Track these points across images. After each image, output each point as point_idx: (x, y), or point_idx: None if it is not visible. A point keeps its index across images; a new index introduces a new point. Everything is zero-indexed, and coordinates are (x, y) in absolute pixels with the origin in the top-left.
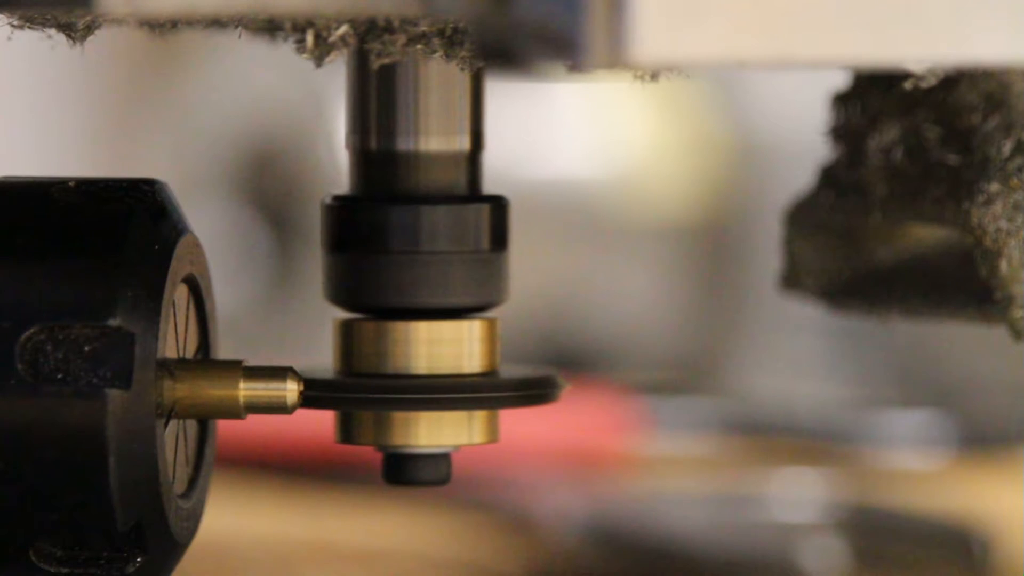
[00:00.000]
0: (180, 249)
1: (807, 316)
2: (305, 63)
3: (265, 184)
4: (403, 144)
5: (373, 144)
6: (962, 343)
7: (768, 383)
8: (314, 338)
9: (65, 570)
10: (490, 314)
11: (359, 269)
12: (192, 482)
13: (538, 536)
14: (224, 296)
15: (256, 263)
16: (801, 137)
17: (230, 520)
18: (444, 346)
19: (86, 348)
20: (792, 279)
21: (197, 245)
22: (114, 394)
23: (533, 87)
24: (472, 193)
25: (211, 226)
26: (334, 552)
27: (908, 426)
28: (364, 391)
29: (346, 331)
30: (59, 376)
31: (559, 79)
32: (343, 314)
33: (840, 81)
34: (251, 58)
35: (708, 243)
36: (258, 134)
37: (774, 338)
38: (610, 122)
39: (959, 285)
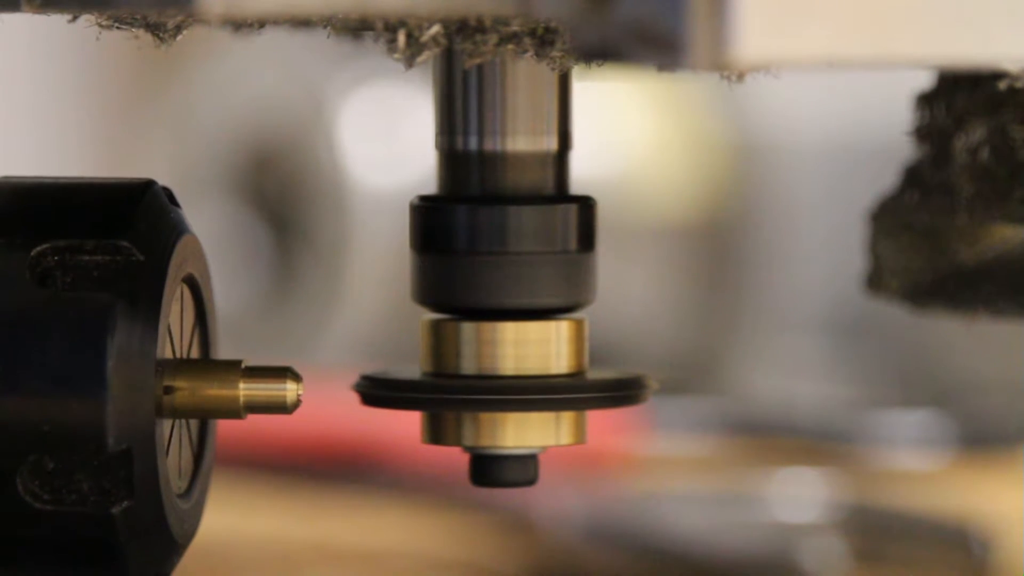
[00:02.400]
0: (180, 249)
1: (807, 316)
2: (305, 63)
3: (265, 184)
4: (491, 144)
5: (460, 144)
6: (962, 343)
7: (768, 383)
8: (314, 338)
9: (50, 508)
10: (578, 315)
11: (446, 270)
12: (192, 482)
13: (538, 536)
14: (224, 296)
15: (256, 263)
16: (801, 137)
17: (230, 520)
18: (531, 347)
19: (95, 273)
20: (876, 280)
21: (197, 245)
22: (120, 307)
23: None
24: (560, 193)
25: (211, 226)
26: (334, 552)
27: (908, 426)
28: (451, 391)
29: (433, 331)
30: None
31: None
32: (430, 314)
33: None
34: (251, 58)
35: (708, 243)
36: (258, 134)
37: (774, 338)
38: (610, 122)
39: None
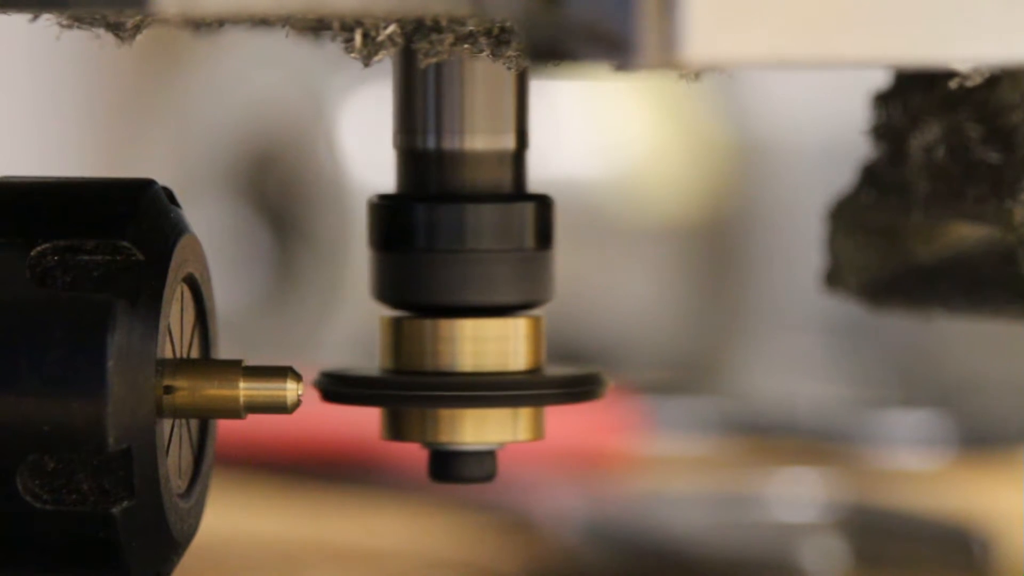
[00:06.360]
0: (180, 249)
1: (807, 316)
2: (305, 63)
3: (265, 184)
4: (449, 143)
5: (419, 143)
6: (962, 343)
7: (768, 383)
8: (314, 338)
9: (50, 508)
10: (535, 312)
11: (405, 267)
12: (192, 482)
13: (538, 536)
14: (224, 296)
15: (256, 263)
16: (801, 137)
17: (230, 520)
18: (489, 344)
19: (95, 273)
20: (834, 278)
21: (197, 245)
22: (120, 306)
23: (533, 87)
24: (517, 191)
25: (211, 226)
26: (334, 552)
27: (908, 426)
28: (410, 388)
29: (393, 328)
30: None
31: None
32: (390, 312)
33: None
34: (251, 58)
35: (708, 243)
36: (258, 134)
37: (774, 338)
38: (610, 122)
39: (1001, 283)
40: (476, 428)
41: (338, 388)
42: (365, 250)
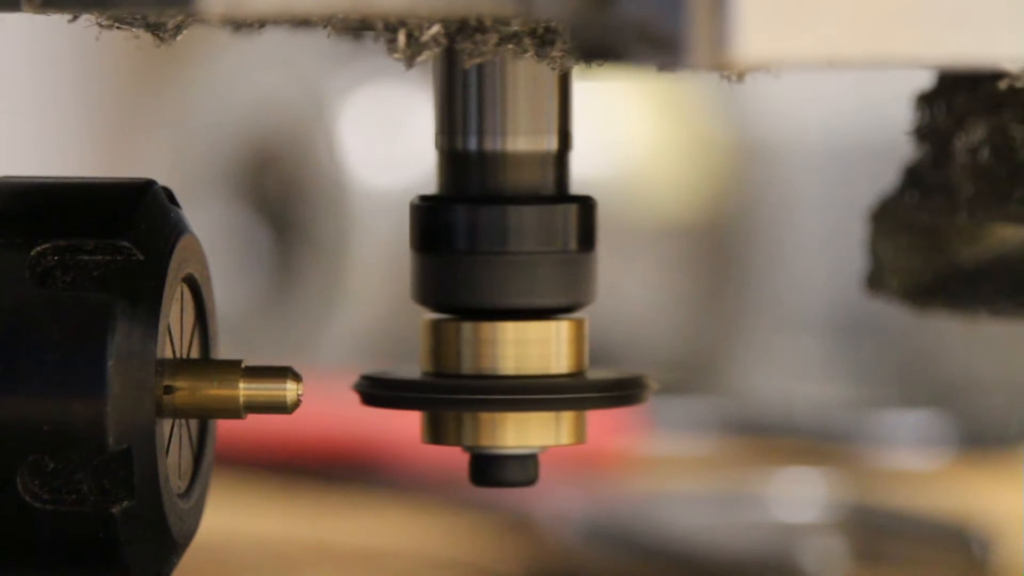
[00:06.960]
0: (180, 249)
1: (807, 316)
2: (305, 63)
3: (265, 184)
4: (491, 144)
5: (460, 144)
6: (962, 343)
7: (768, 383)
8: (314, 338)
9: (50, 508)
10: (578, 315)
11: (446, 269)
12: (192, 482)
13: (538, 536)
14: (224, 296)
15: (256, 263)
16: (801, 137)
17: (230, 520)
18: (531, 347)
19: (95, 273)
20: (876, 280)
21: (197, 245)
22: (120, 307)
23: None
24: (560, 193)
25: (211, 226)
26: (334, 552)
27: (908, 426)
28: (451, 391)
29: (434, 331)
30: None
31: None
32: (431, 314)
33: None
34: (251, 58)
35: (708, 243)
36: (258, 134)
37: (774, 338)
38: (610, 122)
39: None
40: (518, 432)
41: (379, 391)
42: (365, 250)
